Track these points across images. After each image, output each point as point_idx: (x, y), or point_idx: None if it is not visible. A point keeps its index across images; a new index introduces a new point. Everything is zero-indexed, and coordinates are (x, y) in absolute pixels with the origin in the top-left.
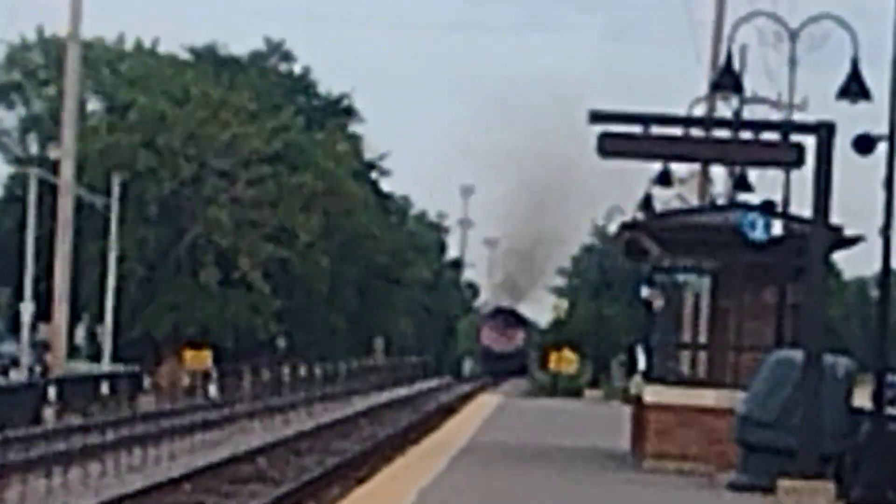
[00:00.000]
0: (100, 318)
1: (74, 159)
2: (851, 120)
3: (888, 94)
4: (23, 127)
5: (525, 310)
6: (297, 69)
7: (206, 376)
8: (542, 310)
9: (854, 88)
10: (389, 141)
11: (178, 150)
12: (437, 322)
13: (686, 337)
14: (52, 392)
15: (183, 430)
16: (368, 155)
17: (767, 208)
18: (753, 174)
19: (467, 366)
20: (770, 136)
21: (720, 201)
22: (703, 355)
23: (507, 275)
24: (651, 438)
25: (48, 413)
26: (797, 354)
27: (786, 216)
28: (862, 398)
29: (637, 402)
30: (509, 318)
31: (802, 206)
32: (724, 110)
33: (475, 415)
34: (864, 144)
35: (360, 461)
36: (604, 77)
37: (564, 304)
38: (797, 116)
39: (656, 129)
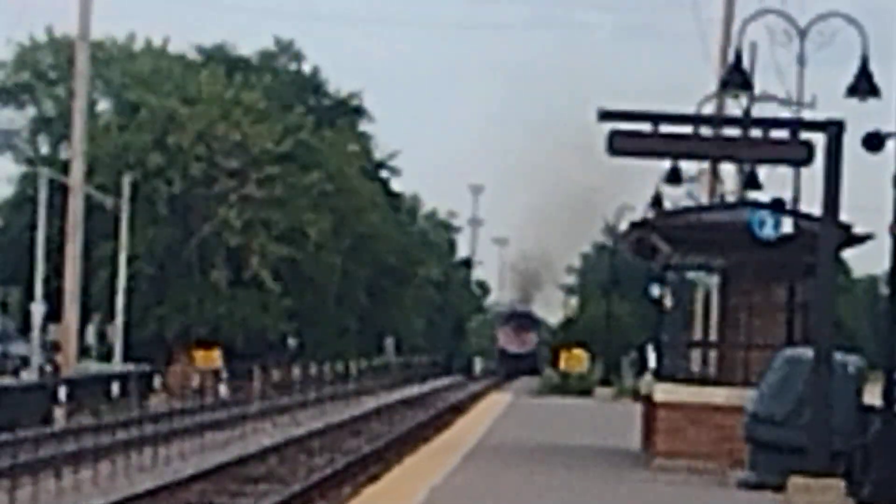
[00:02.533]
0: (110, 318)
1: (84, 159)
2: (861, 117)
3: None
4: (33, 127)
5: (536, 308)
6: (306, 69)
7: (216, 376)
8: (552, 308)
9: (863, 86)
10: (399, 140)
11: (189, 149)
12: (448, 321)
13: (696, 335)
14: (62, 392)
15: (193, 430)
16: (378, 154)
17: (777, 206)
18: (763, 172)
19: (478, 364)
20: (779, 133)
21: (730, 199)
22: (713, 353)
23: (518, 274)
24: (661, 437)
25: (59, 413)
26: (807, 352)
27: (795, 214)
28: (872, 396)
29: (647, 400)
30: (523, 322)
31: (812, 204)
32: (734, 108)
33: (486, 413)
34: (873, 142)
35: (371, 460)
36: (613, 75)
37: (574, 302)
38: (806, 114)
39: (666, 128)
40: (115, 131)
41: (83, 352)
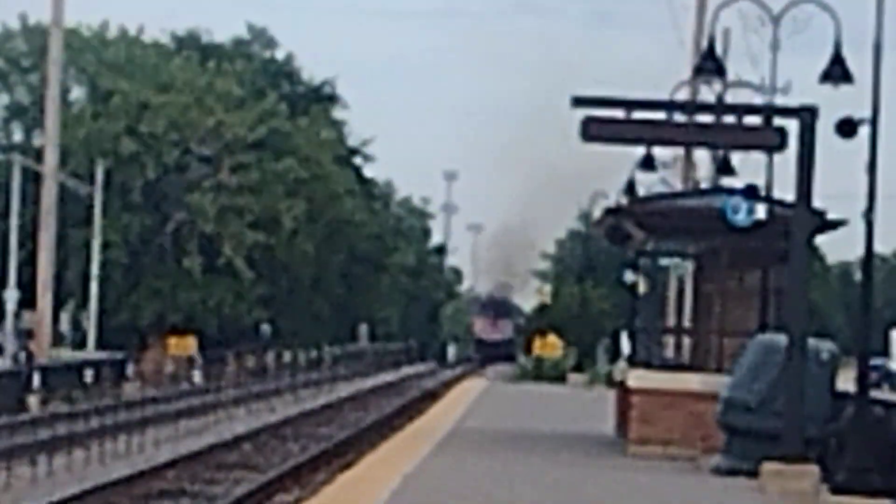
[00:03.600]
0: (84, 305)
1: (58, 147)
2: (834, 103)
3: (871, 78)
4: (6, 115)
5: (511, 295)
6: (280, 56)
7: (190, 363)
8: (527, 295)
9: (837, 72)
10: (373, 127)
11: (162, 136)
12: (422, 308)
13: (670, 321)
14: (36, 379)
15: (167, 417)
16: (352, 141)
17: (750, 192)
18: (736, 158)
19: (452, 351)
20: (753, 119)
21: (703, 185)
22: (687, 340)
23: (492, 262)
24: (635, 423)
25: (32, 401)
26: (781, 338)
27: (769, 200)
28: (846, 382)
29: (621, 386)
30: (499, 310)
31: (785, 190)
32: (707, 94)
33: (460, 400)
34: (846, 128)
35: (345, 447)
36: (587, 61)
37: (548, 288)
38: (780, 100)
39: (639, 114)
40: (89, 118)
41: (57, 339)
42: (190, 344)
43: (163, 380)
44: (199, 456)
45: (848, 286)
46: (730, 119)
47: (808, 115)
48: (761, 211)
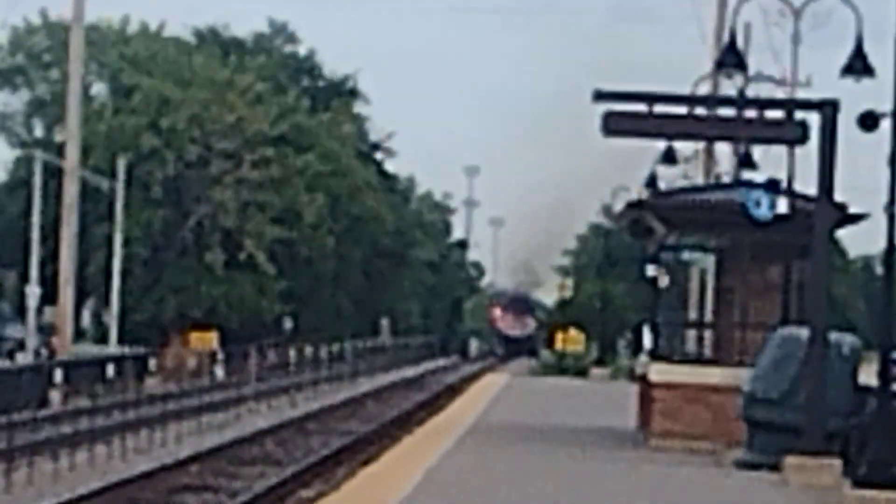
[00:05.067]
0: (106, 300)
1: (79, 142)
2: (855, 97)
3: (892, 71)
4: (28, 110)
5: (533, 291)
6: (301, 51)
7: (212, 358)
8: (548, 289)
9: (858, 66)
10: (394, 122)
11: (183, 132)
12: (443, 302)
13: (692, 315)
14: (58, 375)
15: (189, 412)
16: (373, 136)
17: (772, 186)
18: (758, 152)
19: (473, 346)
20: (774, 113)
21: (725, 179)
22: (708, 333)
23: (516, 258)
24: (657, 417)
25: (54, 396)
26: (803, 332)
27: (790, 194)
28: (868, 375)
29: (643, 380)
30: (522, 306)
31: (807, 184)
32: (729, 88)
33: (482, 394)
34: (868, 121)
35: (367, 442)
36: (608, 56)
37: (570, 283)
38: (801, 94)
39: (660, 108)
40: (110, 114)
41: (79, 334)
42: (211, 339)
43: (184, 375)
44: (221, 451)
45: (870, 280)
46: (751, 113)
47: (829, 109)
48: (783, 205)
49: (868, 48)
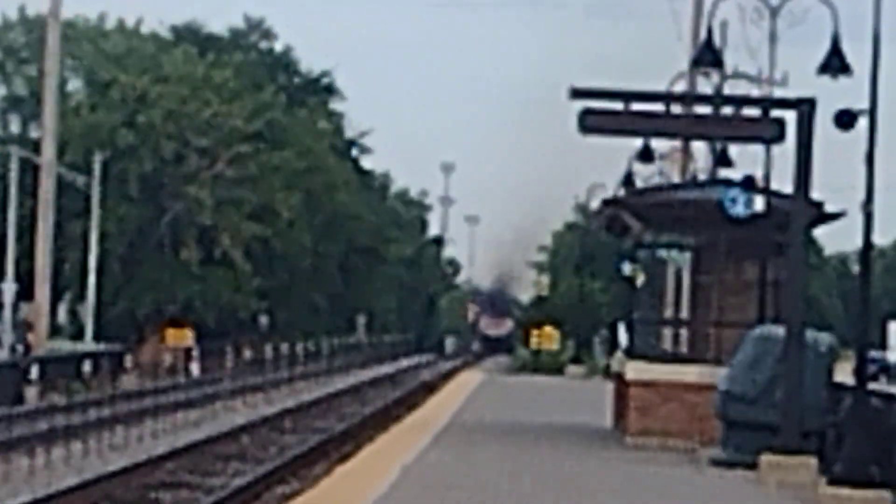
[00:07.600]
0: (81, 297)
1: (56, 138)
2: (832, 95)
3: (869, 69)
4: (4, 106)
5: (509, 288)
6: (278, 47)
7: (187, 354)
8: (525, 286)
9: (835, 64)
10: (370, 118)
11: (160, 128)
12: (419, 299)
13: (668, 313)
14: (34, 371)
15: (165, 409)
16: (350, 133)
17: (748, 184)
18: (734, 150)
19: (449, 343)
20: (751, 111)
21: (701, 177)
22: (684, 331)
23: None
24: (633, 415)
25: (30, 392)
26: (779, 330)
27: (767, 192)
28: (844, 374)
29: (619, 378)
30: (501, 306)
31: (783, 182)
32: (705, 86)
33: (458, 392)
34: (845, 120)
35: (343, 439)
36: (585, 53)
37: (546, 280)
38: (778, 92)
39: (637, 106)
40: (86, 110)
41: (55, 331)
42: (187, 335)
43: (160, 371)
44: (197, 447)
45: (845, 278)
46: (728, 111)
47: (806, 107)
48: (759, 202)
49: (845, 46)
